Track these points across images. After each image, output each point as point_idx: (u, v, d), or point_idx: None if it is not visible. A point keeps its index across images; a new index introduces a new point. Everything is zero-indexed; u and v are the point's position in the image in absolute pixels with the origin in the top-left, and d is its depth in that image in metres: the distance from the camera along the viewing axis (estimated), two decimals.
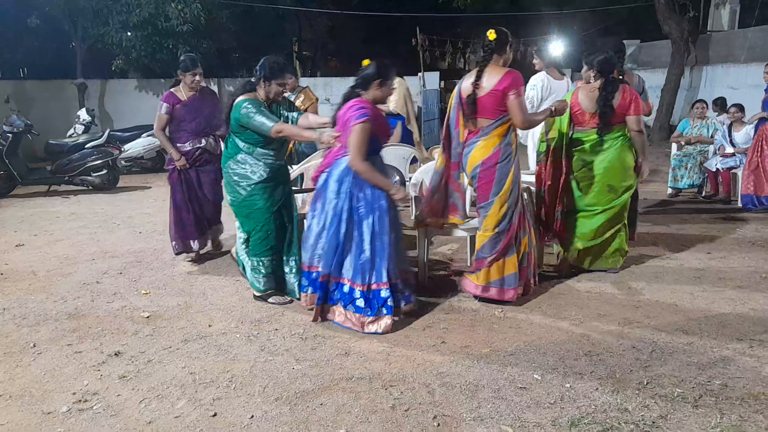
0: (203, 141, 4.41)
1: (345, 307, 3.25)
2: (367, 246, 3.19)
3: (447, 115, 3.58)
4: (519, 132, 3.66)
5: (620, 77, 4.03)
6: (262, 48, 16.95)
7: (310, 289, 3.41)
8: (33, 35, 13.31)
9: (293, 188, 4.48)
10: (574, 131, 4.00)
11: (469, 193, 4.35)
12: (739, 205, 6.10)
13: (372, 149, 3.22)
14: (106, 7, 11.85)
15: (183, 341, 3.14)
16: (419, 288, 3.70)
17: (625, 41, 15.49)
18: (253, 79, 3.61)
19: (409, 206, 4.45)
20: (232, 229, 4.36)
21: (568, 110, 3.88)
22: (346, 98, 3.32)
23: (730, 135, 6.44)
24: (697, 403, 2.43)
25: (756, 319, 3.27)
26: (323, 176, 3.37)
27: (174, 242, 4.46)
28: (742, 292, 3.69)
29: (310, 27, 19.25)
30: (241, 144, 3.55)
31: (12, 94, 11.13)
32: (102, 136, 8.42)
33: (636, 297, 3.65)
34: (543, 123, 3.90)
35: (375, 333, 3.16)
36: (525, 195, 3.71)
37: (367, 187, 3.21)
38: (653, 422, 2.31)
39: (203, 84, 4.46)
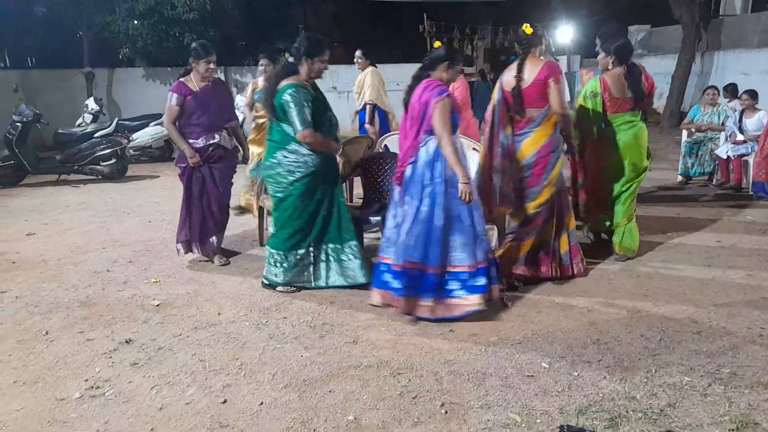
0: (216, 136, 4.05)
1: (449, 295, 3.12)
2: (470, 226, 3.10)
3: (491, 112, 3.64)
4: None
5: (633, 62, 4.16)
6: (268, 36, 16.90)
7: (395, 283, 3.15)
8: (39, 25, 13.34)
9: None
10: (605, 117, 4.08)
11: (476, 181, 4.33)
12: (751, 192, 6.03)
13: (453, 126, 3.11)
14: None
15: (193, 329, 3.17)
16: None
17: (635, 26, 15.33)
18: (292, 59, 3.45)
19: None
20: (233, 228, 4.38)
21: (600, 98, 4.02)
22: (417, 80, 3.22)
23: (741, 122, 6.36)
24: (705, 392, 2.43)
25: (766, 307, 3.25)
26: (408, 169, 3.18)
27: (179, 244, 4.18)
28: (752, 280, 3.67)
29: (315, 14, 19.13)
30: (291, 132, 3.39)
31: (20, 84, 11.15)
32: (110, 125, 8.45)
33: (645, 285, 3.64)
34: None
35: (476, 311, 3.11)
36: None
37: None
38: (661, 410, 2.31)
39: (216, 74, 4.17)
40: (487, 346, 2.89)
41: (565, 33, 15.41)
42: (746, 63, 11.16)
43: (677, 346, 2.84)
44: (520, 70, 3.55)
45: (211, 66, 4.01)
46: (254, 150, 5.19)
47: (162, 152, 9.76)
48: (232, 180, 4.30)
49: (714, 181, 6.59)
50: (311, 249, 3.59)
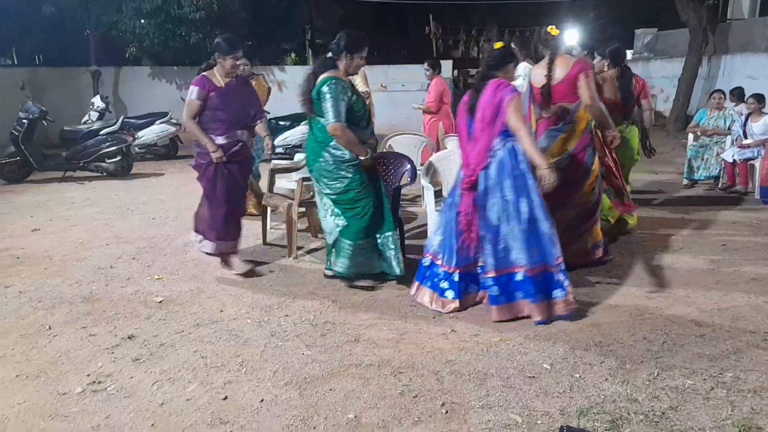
0: (240, 134, 3.86)
1: (551, 295, 3.09)
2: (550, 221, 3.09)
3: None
4: None
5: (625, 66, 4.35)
6: (274, 36, 16.95)
7: (495, 289, 3.11)
8: (47, 23, 13.43)
9: (304, 177, 4.48)
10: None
11: None
12: (757, 197, 6.00)
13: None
14: None
15: (195, 326, 3.18)
16: None
17: (641, 29, 15.29)
18: (330, 55, 3.47)
19: (421, 195, 4.43)
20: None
21: None
22: (483, 80, 3.16)
23: (747, 126, 6.33)
24: (708, 395, 2.42)
25: None
26: (482, 174, 3.12)
27: (214, 243, 3.88)
28: (756, 285, 3.64)
29: (321, 15, 19.17)
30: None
31: (27, 81, 11.21)
32: (116, 123, 8.49)
33: (649, 288, 3.62)
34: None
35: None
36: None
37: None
38: (663, 413, 2.30)
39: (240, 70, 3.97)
40: (488, 346, 2.89)
41: (571, 35, 15.38)
42: (753, 67, 11.11)
43: (680, 349, 2.83)
44: (550, 68, 3.67)
45: (238, 62, 3.83)
46: None
47: (167, 150, 9.80)
48: (249, 177, 4.23)
49: (720, 184, 6.56)
50: (376, 237, 3.59)
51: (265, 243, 4.64)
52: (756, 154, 6.14)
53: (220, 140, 3.78)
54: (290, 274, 4.00)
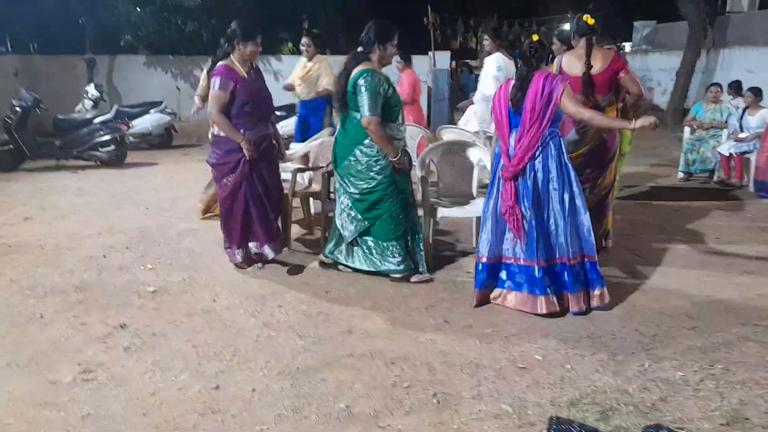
0: (266, 127, 3.68)
1: (589, 286, 3.14)
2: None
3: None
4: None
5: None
6: (271, 25, 16.79)
7: (551, 288, 3.11)
8: (42, 10, 13.27)
9: (299, 167, 4.46)
10: None
11: (476, 174, 4.32)
12: (752, 190, 6.01)
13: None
14: None
15: (187, 315, 3.17)
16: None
17: (640, 22, 15.22)
18: (360, 48, 3.38)
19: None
20: None
21: None
22: (528, 71, 3.11)
23: (743, 119, 6.32)
24: (698, 387, 2.43)
25: (761, 305, 3.24)
26: (529, 165, 3.10)
27: (238, 250, 3.75)
28: (749, 278, 3.66)
29: (320, 5, 19.00)
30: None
31: (21, 69, 11.14)
32: (110, 111, 8.43)
33: (642, 281, 3.63)
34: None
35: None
36: None
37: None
38: (653, 404, 2.31)
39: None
40: (481, 337, 2.89)
41: (570, 27, 15.34)
42: (752, 61, 11.08)
43: (671, 341, 2.84)
44: (588, 58, 3.68)
45: (259, 49, 3.60)
46: None
47: (162, 140, 9.73)
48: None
49: (715, 178, 6.56)
50: (408, 236, 3.57)
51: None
52: (752, 148, 6.15)
53: (251, 135, 3.53)
54: (284, 265, 3.99)
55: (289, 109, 8.89)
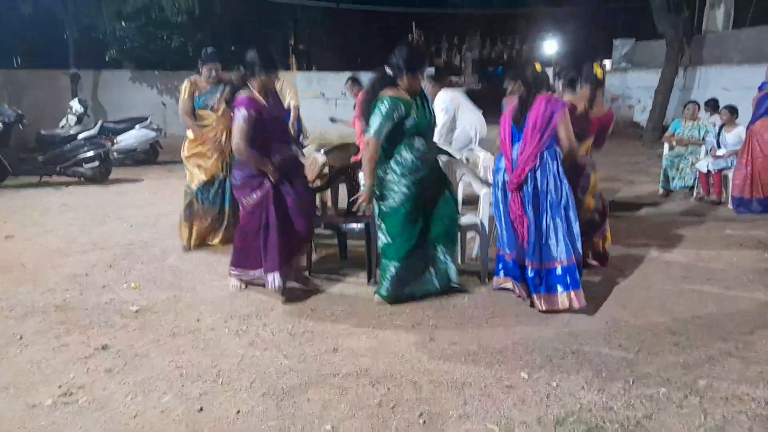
0: (291, 147, 3.65)
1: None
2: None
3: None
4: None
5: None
6: (258, 41, 16.88)
7: (561, 287, 3.39)
8: (26, 24, 13.19)
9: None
10: None
11: (461, 189, 4.37)
12: (730, 207, 6.14)
13: None
14: None
15: (171, 335, 3.13)
16: None
17: (619, 40, 15.57)
18: (389, 71, 3.36)
19: None
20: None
21: None
22: (529, 95, 3.42)
23: (720, 136, 6.47)
24: (681, 404, 2.45)
25: (742, 320, 3.29)
26: (530, 175, 3.39)
27: (275, 275, 3.51)
28: (729, 293, 3.72)
29: (305, 21, 19.16)
30: (394, 141, 3.37)
31: (3, 84, 11.02)
32: (95, 127, 8.37)
33: (623, 296, 3.67)
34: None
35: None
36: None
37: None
38: (638, 422, 2.33)
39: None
40: (467, 355, 2.90)
41: (550, 46, 15.63)
42: (728, 79, 11.39)
43: (655, 357, 2.87)
44: (591, 104, 3.92)
45: (278, 78, 3.62)
46: (194, 167, 4.54)
47: (147, 155, 9.68)
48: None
49: (695, 194, 6.69)
50: (424, 255, 3.56)
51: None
52: (729, 165, 6.28)
53: (275, 158, 3.50)
54: None
55: None
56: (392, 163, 3.41)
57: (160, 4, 11.85)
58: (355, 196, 3.56)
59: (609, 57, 16.44)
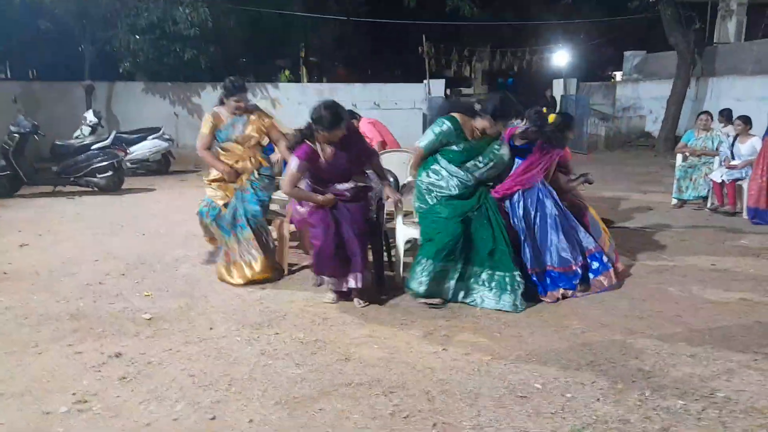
0: (348, 184, 3.63)
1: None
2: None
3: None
4: None
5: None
6: (269, 53, 17.06)
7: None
8: (43, 38, 13.43)
9: None
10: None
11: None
12: (745, 217, 6.07)
13: None
14: (115, 10, 11.95)
15: (184, 343, 3.14)
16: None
17: (630, 52, 15.56)
18: (477, 107, 3.68)
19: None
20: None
21: None
22: (534, 136, 3.94)
23: (734, 147, 6.42)
24: (700, 416, 2.41)
25: (760, 332, 3.24)
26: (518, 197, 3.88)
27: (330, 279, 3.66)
28: (746, 304, 3.66)
29: (317, 34, 19.34)
30: (439, 156, 3.69)
31: (20, 95, 11.17)
32: (108, 137, 8.46)
33: (639, 307, 3.63)
34: None
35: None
36: None
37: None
38: None
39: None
40: (480, 365, 2.87)
41: (561, 56, 15.64)
42: (740, 89, 11.33)
43: (672, 368, 2.82)
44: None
45: (344, 131, 3.52)
46: (214, 191, 4.24)
47: (159, 166, 9.78)
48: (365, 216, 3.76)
49: (708, 204, 6.62)
50: (458, 264, 3.60)
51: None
52: (744, 175, 6.23)
53: (329, 191, 3.60)
54: (281, 290, 3.98)
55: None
56: (429, 171, 3.73)
57: (173, 17, 12.01)
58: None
59: (620, 69, 16.43)
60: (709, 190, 6.62)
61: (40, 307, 3.65)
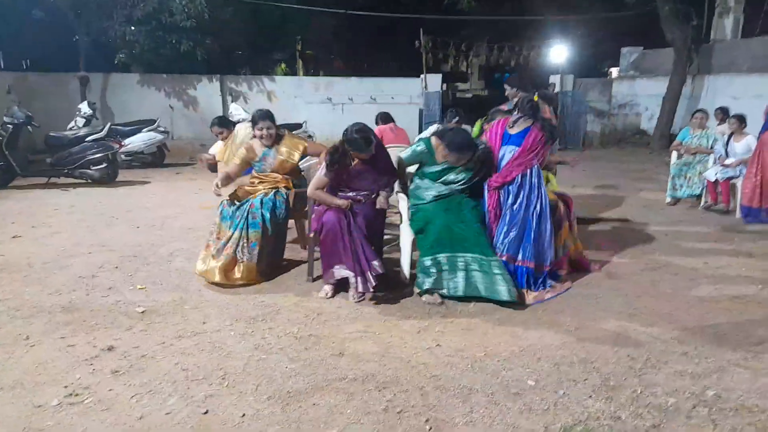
0: (362, 196, 3.87)
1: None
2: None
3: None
4: None
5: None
6: (266, 46, 16.95)
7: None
8: (37, 27, 13.31)
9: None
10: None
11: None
12: (738, 216, 6.09)
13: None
14: (111, 0, 11.84)
15: (177, 337, 3.13)
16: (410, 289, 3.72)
17: (627, 48, 15.55)
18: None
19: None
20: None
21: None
22: (532, 121, 3.92)
23: (729, 145, 6.44)
24: (690, 414, 2.43)
25: (751, 331, 3.26)
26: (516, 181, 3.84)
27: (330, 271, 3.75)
28: (738, 303, 3.69)
29: (313, 26, 19.23)
30: (423, 169, 3.98)
31: (14, 86, 11.10)
32: (103, 129, 8.41)
33: (632, 305, 3.65)
34: None
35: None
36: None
37: None
38: (646, 431, 2.30)
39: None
40: (473, 361, 2.88)
41: (559, 52, 15.61)
42: (736, 87, 11.35)
43: (663, 366, 2.84)
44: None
45: (372, 154, 3.78)
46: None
47: (154, 158, 9.74)
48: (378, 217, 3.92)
49: (702, 202, 6.65)
50: (447, 256, 3.64)
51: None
52: (738, 174, 6.25)
53: (348, 195, 3.85)
54: (275, 285, 3.97)
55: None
56: (417, 179, 4.02)
57: (170, 8, 11.91)
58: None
59: (617, 65, 16.41)
60: (703, 189, 6.64)
61: (33, 299, 3.64)
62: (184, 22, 11.97)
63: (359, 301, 3.65)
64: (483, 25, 17.16)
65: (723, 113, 7.60)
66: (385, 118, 6.84)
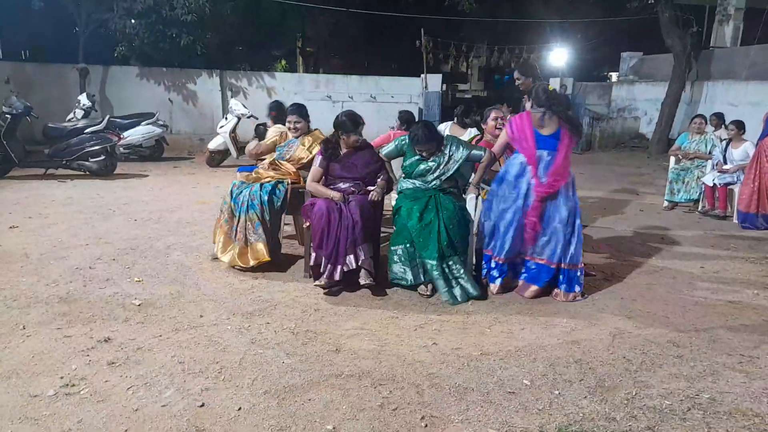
0: (358, 185, 4.02)
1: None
2: None
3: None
4: None
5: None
6: (265, 42, 16.93)
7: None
8: (36, 18, 13.24)
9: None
10: None
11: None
12: (735, 221, 6.12)
13: None
14: None
15: (173, 330, 3.13)
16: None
17: (627, 53, 15.61)
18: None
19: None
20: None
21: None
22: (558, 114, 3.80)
23: (726, 151, 6.47)
24: (684, 416, 2.44)
25: (746, 335, 3.28)
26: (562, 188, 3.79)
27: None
28: (733, 307, 3.71)
29: (313, 24, 19.20)
30: (405, 166, 4.11)
31: (12, 77, 11.04)
32: (101, 122, 8.38)
33: (628, 307, 3.66)
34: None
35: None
36: None
37: None
38: None
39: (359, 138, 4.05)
40: (469, 360, 2.89)
41: (559, 56, 15.65)
42: (735, 94, 11.40)
43: (658, 369, 2.86)
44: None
45: (361, 138, 4.06)
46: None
47: (152, 151, 9.71)
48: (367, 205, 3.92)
49: (700, 207, 6.68)
50: (416, 255, 3.76)
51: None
52: (735, 179, 6.28)
53: (339, 186, 4.01)
54: (273, 280, 3.97)
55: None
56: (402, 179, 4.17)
57: (171, 3, 11.87)
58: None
59: (616, 69, 16.46)
60: (700, 194, 6.67)
61: (29, 289, 3.63)
62: (185, 16, 11.93)
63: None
64: (483, 27, 17.17)
65: (718, 119, 7.66)
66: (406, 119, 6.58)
